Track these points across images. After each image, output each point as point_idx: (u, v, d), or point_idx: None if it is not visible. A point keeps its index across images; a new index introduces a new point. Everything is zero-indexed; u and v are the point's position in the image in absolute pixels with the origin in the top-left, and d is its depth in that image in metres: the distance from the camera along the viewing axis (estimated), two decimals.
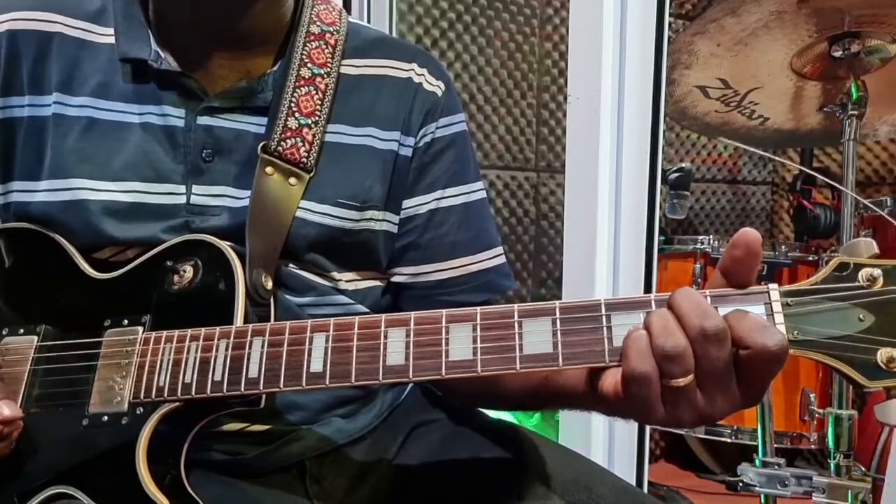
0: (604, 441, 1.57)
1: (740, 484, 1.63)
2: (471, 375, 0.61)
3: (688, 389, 0.55)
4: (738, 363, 0.55)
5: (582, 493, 0.76)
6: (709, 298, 0.58)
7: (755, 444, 1.71)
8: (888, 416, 0.55)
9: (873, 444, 1.77)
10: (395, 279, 0.90)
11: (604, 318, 0.59)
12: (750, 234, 0.57)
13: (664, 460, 2.68)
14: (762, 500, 1.71)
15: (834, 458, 1.58)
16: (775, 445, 1.72)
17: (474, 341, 0.61)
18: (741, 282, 0.58)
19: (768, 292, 0.57)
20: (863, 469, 1.68)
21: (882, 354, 0.54)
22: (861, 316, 0.55)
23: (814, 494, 1.56)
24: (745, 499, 1.78)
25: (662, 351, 0.54)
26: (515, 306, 0.61)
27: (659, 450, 2.69)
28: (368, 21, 2.08)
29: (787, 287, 0.57)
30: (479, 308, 0.62)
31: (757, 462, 1.66)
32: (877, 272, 0.55)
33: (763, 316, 0.56)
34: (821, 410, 1.91)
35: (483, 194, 0.94)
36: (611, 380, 0.60)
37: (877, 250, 0.56)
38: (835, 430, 1.58)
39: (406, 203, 0.88)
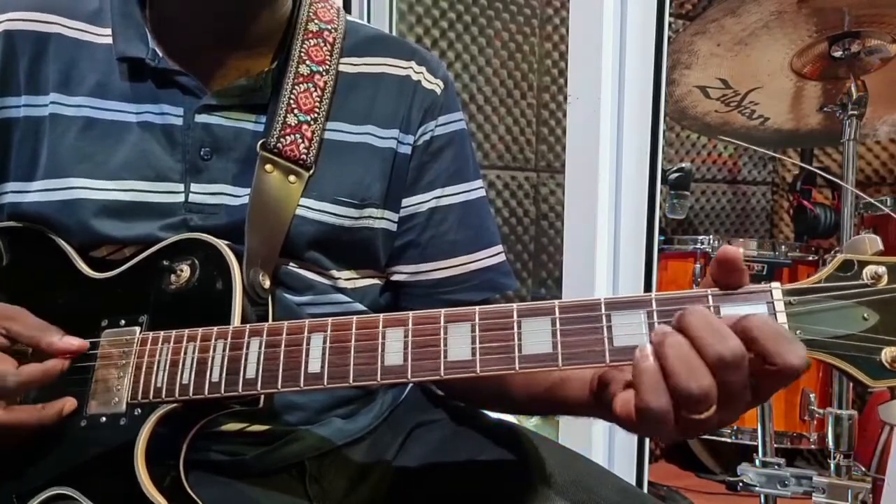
0: (604, 441, 1.57)
1: (740, 484, 1.63)
2: (470, 376, 0.60)
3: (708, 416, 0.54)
4: (757, 374, 0.54)
5: (582, 493, 0.76)
6: (711, 298, 0.57)
7: (755, 444, 1.71)
8: (892, 415, 0.55)
9: (873, 444, 1.77)
10: (394, 278, 0.90)
11: (604, 317, 0.58)
12: (729, 251, 0.57)
13: (664, 460, 2.68)
14: (762, 500, 1.71)
15: (834, 458, 1.58)
16: (775, 445, 1.72)
17: (473, 341, 0.61)
18: (735, 288, 0.58)
19: (770, 291, 0.56)
20: (863, 469, 1.68)
21: (886, 354, 0.54)
22: (865, 314, 0.54)
23: (814, 494, 1.56)
24: (745, 499, 1.78)
25: (688, 392, 0.53)
26: (514, 305, 0.61)
27: (659, 450, 2.69)
28: (368, 21, 2.07)
29: (790, 286, 0.56)
30: (477, 307, 0.62)
31: (757, 462, 1.66)
32: (881, 270, 0.55)
33: (765, 316, 0.55)
34: (821, 410, 1.91)
35: (483, 192, 0.94)
36: (623, 402, 0.58)
37: (881, 246, 0.55)
38: (835, 430, 1.58)
39: (405, 201, 0.88)
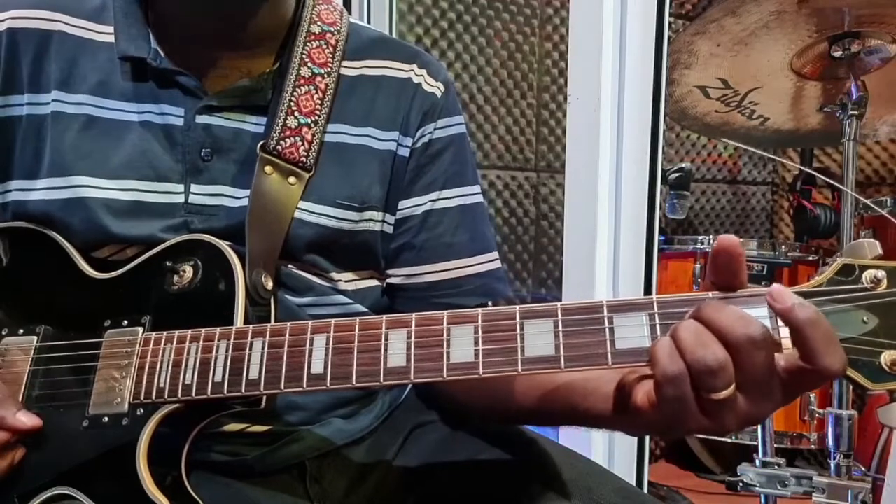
0: (604, 441, 1.57)
1: (740, 484, 1.63)
2: (472, 377, 0.60)
3: (729, 398, 0.54)
4: (791, 370, 0.54)
5: (582, 493, 0.76)
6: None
7: (755, 444, 1.71)
8: (891, 418, 0.55)
9: (873, 444, 1.77)
10: (389, 280, 0.90)
11: (606, 319, 0.59)
12: (726, 240, 0.57)
13: (664, 460, 2.68)
14: (762, 500, 1.71)
15: (834, 458, 1.58)
16: (775, 445, 1.72)
17: (476, 343, 0.61)
18: (734, 288, 0.58)
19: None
20: (863, 469, 1.68)
21: (886, 357, 0.54)
22: (865, 318, 0.55)
23: (814, 494, 1.56)
24: (745, 499, 1.78)
25: (703, 364, 0.53)
26: (517, 308, 0.61)
27: (659, 450, 2.69)
28: (368, 21, 2.07)
29: (791, 289, 0.56)
30: (480, 309, 0.62)
31: (757, 462, 1.66)
32: (881, 274, 0.55)
33: (766, 318, 0.56)
34: (821, 410, 1.91)
35: (481, 198, 0.94)
36: (642, 392, 0.60)
37: (880, 251, 0.56)
38: (835, 430, 1.58)
39: (402, 203, 0.88)
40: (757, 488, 1.63)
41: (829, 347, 0.53)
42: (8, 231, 0.80)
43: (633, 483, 1.53)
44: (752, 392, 0.55)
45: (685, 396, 0.55)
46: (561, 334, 0.59)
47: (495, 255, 0.93)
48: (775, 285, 0.56)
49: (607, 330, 0.59)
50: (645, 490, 1.63)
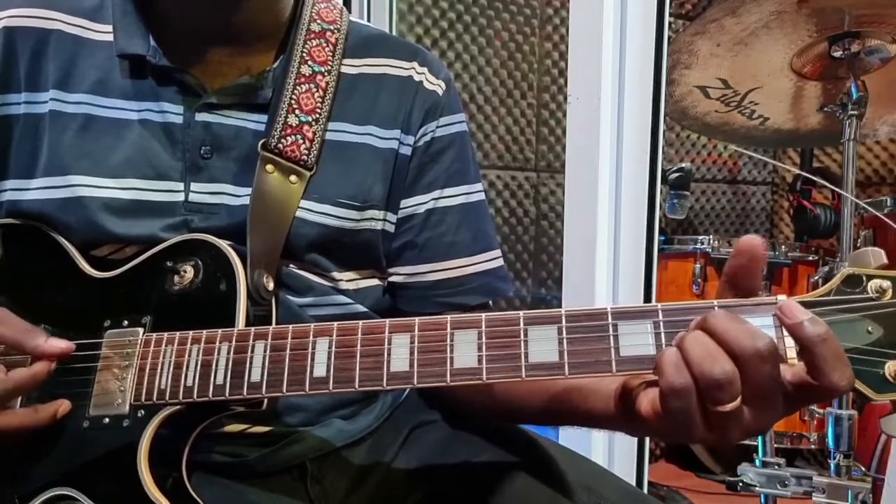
0: (604, 441, 1.57)
1: (740, 484, 1.64)
2: (476, 383, 0.60)
3: (735, 411, 0.54)
4: (795, 384, 0.55)
5: (582, 493, 0.76)
6: (717, 309, 0.57)
7: (755, 444, 1.71)
8: (893, 428, 0.55)
9: (873, 444, 1.77)
10: (391, 279, 0.90)
11: (610, 326, 0.58)
12: (753, 240, 0.57)
13: (664, 460, 2.68)
14: (762, 500, 1.71)
15: (834, 458, 1.58)
16: (775, 445, 1.72)
17: (479, 349, 0.60)
18: (748, 288, 0.58)
19: (777, 303, 0.56)
20: (863, 469, 1.68)
21: (890, 367, 0.54)
22: (870, 328, 0.55)
23: (814, 494, 1.57)
24: (745, 499, 1.78)
25: (711, 377, 0.53)
26: (521, 313, 0.61)
27: (659, 450, 2.69)
28: (368, 21, 2.07)
29: (796, 298, 0.56)
30: (483, 314, 0.62)
31: (757, 462, 1.67)
32: (886, 284, 0.55)
33: (772, 328, 0.56)
34: (821, 410, 1.92)
35: (482, 196, 0.94)
36: (647, 400, 0.59)
37: (885, 260, 0.56)
38: (835, 430, 1.58)
39: (404, 202, 0.88)
40: (757, 488, 1.63)
41: (837, 365, 0.53)
42: (6, 228, 0.80)
43: (633, 483, 1.53)
44: (756, 404, 0.54)
45: (691, 409, 0.55)
46: (565, 341, 0.59)
47: (497, 252, 0.93)
48: (783, 298, 0.56)
49: (612, 337, 0.58)
50: (645, 490, 1.63)
